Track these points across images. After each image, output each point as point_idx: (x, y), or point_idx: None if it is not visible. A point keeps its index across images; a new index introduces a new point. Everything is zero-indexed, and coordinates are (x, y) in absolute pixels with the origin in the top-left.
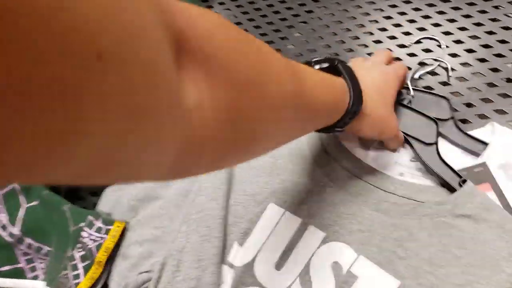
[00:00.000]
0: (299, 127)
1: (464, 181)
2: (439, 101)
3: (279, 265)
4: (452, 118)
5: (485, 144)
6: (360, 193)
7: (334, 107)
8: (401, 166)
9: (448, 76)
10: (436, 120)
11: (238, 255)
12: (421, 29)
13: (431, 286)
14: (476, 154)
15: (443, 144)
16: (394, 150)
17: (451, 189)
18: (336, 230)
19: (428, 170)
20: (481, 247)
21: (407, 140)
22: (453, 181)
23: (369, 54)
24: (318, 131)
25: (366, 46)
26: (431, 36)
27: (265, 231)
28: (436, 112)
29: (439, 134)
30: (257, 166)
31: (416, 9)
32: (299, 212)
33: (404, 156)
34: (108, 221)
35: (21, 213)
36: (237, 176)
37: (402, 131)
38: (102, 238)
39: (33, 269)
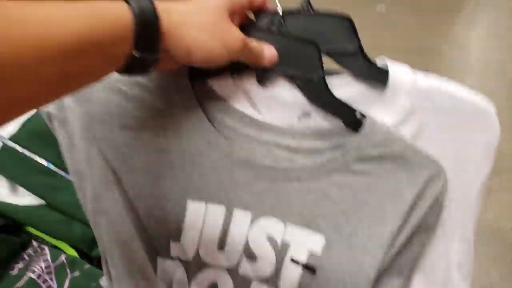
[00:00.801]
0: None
1: (363, 116)
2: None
3: (220, 247)
4: (360, 49)
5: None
6: (264, 165)
7: (106, 33)
8: (297, 106)
9: None
10: (317, 44)
11: (180, 249)
12: None
13: (349, 234)
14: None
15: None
16: (270, 65)
17: (352, 125)
18: (259, 208)
19: (321, 109)
20: (386, 183)
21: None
22: (351, 117)
23: None
24: (131, 72)
25: None
26: None
27: (195, 229)
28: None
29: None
30: (148, 168)
31: None
32: (220, 200)
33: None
34: None
35: (66, 283)
36: (132, 184)
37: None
38: None
39: None
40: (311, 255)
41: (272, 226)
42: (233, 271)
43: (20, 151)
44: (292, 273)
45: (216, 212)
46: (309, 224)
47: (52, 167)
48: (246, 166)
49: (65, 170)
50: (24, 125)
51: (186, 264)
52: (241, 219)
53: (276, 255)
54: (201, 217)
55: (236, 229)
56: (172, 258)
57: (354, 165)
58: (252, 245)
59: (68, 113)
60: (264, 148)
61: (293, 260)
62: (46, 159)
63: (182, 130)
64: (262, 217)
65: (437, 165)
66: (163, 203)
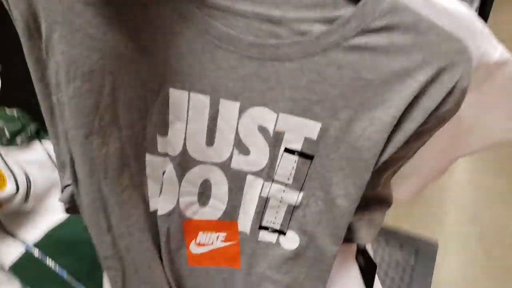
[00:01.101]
0: None
1: None
2: None
3: (209, 143)
4: None
5: None
6: (249, 42)
7: None
8: None
9: None
10: None
11: (167, 145)
12: None
13: (349, 119)
14: None
15: None
16: None
17: None
18: (247, 96)
19: None
20: (393, 61)
21: None
22: None
23: None
24: None
25: None
26: None
27: (180, 119)
28: None
29: None
30: (121, 53)
31: None
32: (203, 88)
33: None
34: None
35: None
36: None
37: None
38: None
39: None
40: (306, 141)
41: (263, 117)
42: (225, 167)
43: (40, 258)
44: (287, 163)
45: (201, 103)
46: (303, 112)
47: (67, 277)
48: (228, 45)
49: (79, 279)
50: (48, 234)
51: (174, 160)
52: (228, 110)
53: (269, 146)
54: (185, 108)
55: (224, 122)
56: (160, 154)
57: (354, 39)
58: (243, 138)
59: None
60: (243, 22)
61: (287, 150)
62: (63, 267)
63: (151, 4)
64: (252, 107)
65: (462, 44)
66: (144, 93)
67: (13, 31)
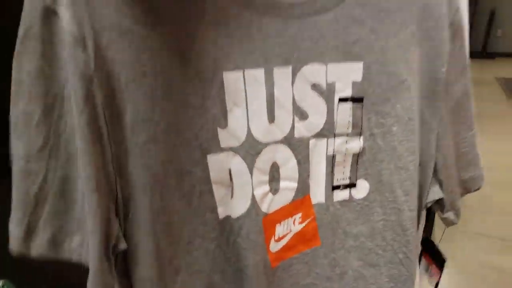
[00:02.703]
0: None
1: None
2: None
3: (271, 119)
4: None
5: None
6: (289, 3)
7: None
8: None
9: None
10: None
11: (230, 137)
12: None
13: (381, 49)
14: None
15: None
16: None
17: None
18: (297, 56)
19: None
20: None
21: None
22: None
23: None
24: None
25: None
26: None
27: (239, 103)
28: None
29: None
30: (171, 47)
31: None
32: (256, 62)
33: None
34: None
35: None
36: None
37: None
38: None
39: None
40: (355, 85)
41: (314, 72)
42: (289, 139)
43: None
44: (344, 112)
45: (256, 78)
46: (346, 55)
47: None
48: (272, 10)
49: None
50: None
51: (240, 150)
52: (283, 77)
53: (326, 102)
54: (242, 89)
55: (281, 91)
56: (223, 149)
57: None
58: (300, 103)
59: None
60: None
61: (341, 99)
62: None
63: None
64: (303, 66)
65: None
66: (198, 85)
67: None
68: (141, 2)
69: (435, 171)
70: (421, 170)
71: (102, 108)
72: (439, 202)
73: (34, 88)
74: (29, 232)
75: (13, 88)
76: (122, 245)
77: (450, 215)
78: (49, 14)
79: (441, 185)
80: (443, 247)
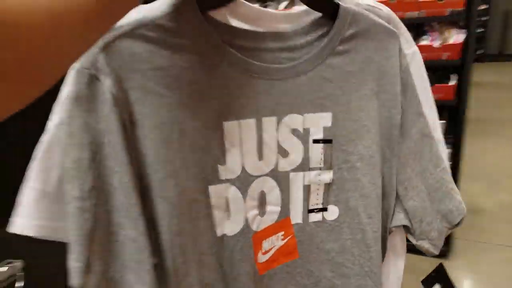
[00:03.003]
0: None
1: (337, 5)
2: None
3: (260, 157)
4: None
5: None
6: (277, 69)
7: None
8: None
9: None
10: None
11: (228, 171)
12: None
13: (347, 102)
14: None
15: None
16: None
17: (330, 14)
18: (280, 109)
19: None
20: (361, 54)
21: None
22: (330, 7)
23: None
24: None
25: None
26: None
27: (235, 144)
28: None
29: None
30: (183, 102)
31: None
32: (250, 114)
33: None
34: None
35: None
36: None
37: None
38: None
39: None
40: (325, 129)
41: (293, 121)
42: (273, 172)
43: None
44: (317, 151)
45: (249, 126)
46: (319, 107)
47: None
48: (262, 75)
49: None
50: None
51: (236, 182)
52: (269, 125)
53: (302, 143)
54: (237, 134)
55: (268, 135)
56: (222, 181)
57: (338, 47)
58: (282, 144)
59: (101, 73)
60: (270, 55)
61: (314, 141)
62: None
63: (203, 58)
64: (285, 117)
65: (393, 30)
66: (204, 132)
67: None
68: (162, 69)
69: (399, 201)
70: (386, 198)
71: (131, 150)
72: (408, 230)
73: (83, 138)
74: (87, 265)
75: (65, 140)
76: (154, 260)
77: (423, 243)
78: (93, 80)
79: (406, 214)
80: (467, 260)
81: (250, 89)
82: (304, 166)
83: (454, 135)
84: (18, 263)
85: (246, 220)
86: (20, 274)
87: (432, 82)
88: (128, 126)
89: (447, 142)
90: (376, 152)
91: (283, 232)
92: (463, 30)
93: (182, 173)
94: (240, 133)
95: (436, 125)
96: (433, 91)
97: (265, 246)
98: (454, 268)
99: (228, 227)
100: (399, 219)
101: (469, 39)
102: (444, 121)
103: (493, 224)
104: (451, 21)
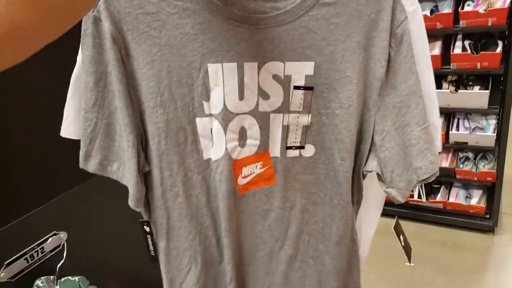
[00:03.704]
0: None
1: None
2: None
3: (241, 97)
4: None
5: None
6: (258, 17)
7: None
8: None
9: None
10: None
11: (211, 107)
12: None
13: (331, 52)
14: None
15: None
16: None
17: None
18: (262, 56)
19: None
20: (349, 7)
21: None
22: None
23: None
24: None
25: None
26: None
27: (219, 84)
28: None
29: None
30: (172, 43)
31: None
32: (232, 58)
33: None
34: None
35: None
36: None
37: None
38: None
39: None
40: (307, 77)
41: (275, 68)
42: (254, 112)
43: None
44: (297, 96)
45: (231, 69)
46: (300, 56)
47: None
48: (245, 23)
49: None
50: None
51: (218, 117)
52: (251, 69)
53: (283, 88)
54: (220, 76)
55: (249, 79)
56: (206, 115)
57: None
58: (263, 87)
59: (102, 15)
60: (254, 4)
61: (295, 87)
62: None
63: (187, 5)
64: (266, 63)
65: None
66: (190, 71)
67: None
68: (151, 14)
69: (375, 149)
70: (363, 143)
71: (129, 80)
72: (380, 177)
73: (89, 67)
74: (86, 156)
75: (81, 66)
76: (146, 168)
77: (391, 191)
78: (97, 21)
79: (379, 162)
80: None
81: (232, 36)
82: (283, 108)
83: (500, 106)
84: (62, 234)
85: (226, 149)
86: (64, 244)
87: (478, 50)
88: (126, 59)
89: (492, 113)
90: (356, 102)
91: (261, 162)
92: None
93: (171, 104)
94: (223, 75)
95: (431, 86)
96: (479, 59)
97: (245, 172)
98: (501, 244)
99: (213, 153)
100: (372, 166)
101: None
102: (487, 91)
103: None
104: None
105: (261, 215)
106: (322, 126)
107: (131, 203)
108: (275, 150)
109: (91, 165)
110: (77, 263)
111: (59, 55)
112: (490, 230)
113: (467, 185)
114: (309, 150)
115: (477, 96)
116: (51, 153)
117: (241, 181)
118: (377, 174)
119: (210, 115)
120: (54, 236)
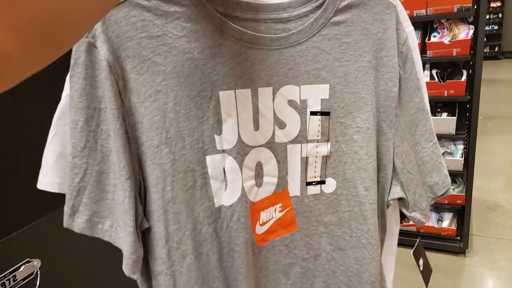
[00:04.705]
0: None
1: None
2: None
3: (256, 127)
4: None
5: None
6: (271, 39)
7: None
8: None
9: None
10: None
11: (224, 141)
12: None
13: (344, 74)
14: None
15: None
16: None
17: None
18: (276, 80)
19: None
20: (358, 26)
21: None
22: None
23: None
24: None
25: None
26: None
27: (232, 114)
28: None
29: None
30: (178, 70)
31: None
32: (245, 84)
33: None
34: None
35: None
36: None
37: None
38: None
39: None
40: (323, 101)
41: (290, 92)
42: (270, 143)
43: None
44: (314, 123)
45: (245, 96)
46: (315, 79)
47: None
48: (257, 44)
49: None
50: None
51: (232, 152)
52: (265, 95)
53: (299, 114)
54: (233, 104)
55: (263, 106)
56: (218, 151)
57: (333, 18)
58: (279, 114)
59: (97, 40)
60: (264, 26)
61: (312, 113)
62: None
63: (197, 26)
64: (281, 87)
65: (389, 1)
66: (199, 101)
67: None
68: (156, 37)
69: (396, 174)
70: (382, 171)
71: (127, 117)
72: (403, 202)
73: (79, 102)
74: (73, 212)
75: (69, 102)
76: (145, 224)
77: (416, 214)
78: (91, 47)
79: (402, 186)
80: (485, 257)
81: (244, 59)
82: (301, 138)
83: (467, 131)
84: (36, 262)
85: (243, 189)
86: (38, 272)
87: (444, 79)
88: (124, 93)
89: (460, 138)
90: (373, 125)
91: (281, 204)
92: (473, 26)
93: (178, 141)
94: (236, 103)
95: (426, 103)
96: (445, 87)
97: (263, 217)
98: (472, 265)
99: (225, 197)
100: (396, 191)
101: (479, 34)
102: (454, 117)
103: (510, 220)
104: (460, 18)
105: (282, 272)
106: (341, 156)
107: (126, 268)
108: (295, 188)
109: (77, 224)
110: None
111: (41, 88)
112: (461, 251)
113: (438, 208)
114: (330, 185)
115: (445, 122)
116: (26, 177)
117: (259, 229)
118: (399, 200)
119: (223, 151)
120: (27, 264)
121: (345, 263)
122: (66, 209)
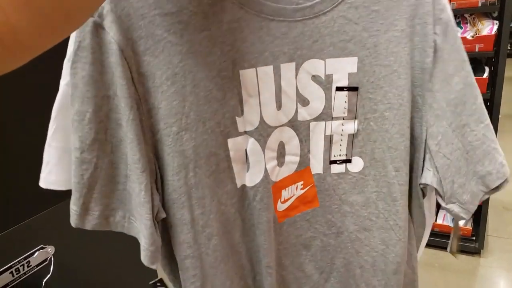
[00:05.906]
0: None
1: None
2: None
3: (279, 106)
4: None
5: None
6: (293, 9)
7: None
8: None
9: None
10: None
11: (246, 123)
12: None
13: (374, 45)
14: None
15: None
16: None
17: None
18: (299, 54)
19: None
20: None
21: None
22: None
23: None
24: None
25: None
26: None
27: (253, 94)
28: None
29: None
30: (194, 49)
31: None
32: (266, 60)
33: None
34: None
35: None
36: (190, 69)
37: None
38: None
39: None
40: (350, 76)
41: (314, 67)
42: (293, 122)
43: None
44: (340, 99)
45: (266, 73)
46: (342, 51)
47: None
48: (278, 16)
49: None
50: None
51: (254, 133)
52: (288, 72)
53: (323, 90)
54: (255, 83)
55: (286, 83)
56: (240, 133)
57: None
58: (302, 91)
59: (105, 20)
60: None
61: (338, 88)
62: None
63: (214, 0)
64: (304, 62)
65: None
66: (219, 81)
67: None
68: (171, 14)
69: (430, 157)
70: (417, 151)
71: (140, 105)
72: (438, 192)
73: (87, 91)
74: (83, 211)
75: (70, 91)
76: (162, 215)
77: (453, 207)
78: (97, 28)
79: (437, 172)
80: (501, 257)
81: (265, 33)
82: (325, 115)
83: None
84: (50, 248)
85: (266, 171)
86: (51, 258)
87: None
88: (136, 78)
89: None
90: (406, 101)
91: (302, 182)
92: (497, 22)
93: (199, 126)
94: (258, 82)
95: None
96: None
97: (284, 195)
98: (487, 266)
99: (248, 178)
100: (428, 177)
101: (503, 30)
102: None
103: None
104: (484, 13)
105: (303, 245)
106: (370, 134)
107: (145, 259)
108: (317, 166)
109: (89, 221)
110: (64, 278)
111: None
112: (476, 252)
113: None
114: (357, 164)
115: None
116: (40, 165)
117: (281, 206)
118: (435, 188)
119: (244, 132)
120: (41, 250)
121: (370, 243)
122: (76, 208)
